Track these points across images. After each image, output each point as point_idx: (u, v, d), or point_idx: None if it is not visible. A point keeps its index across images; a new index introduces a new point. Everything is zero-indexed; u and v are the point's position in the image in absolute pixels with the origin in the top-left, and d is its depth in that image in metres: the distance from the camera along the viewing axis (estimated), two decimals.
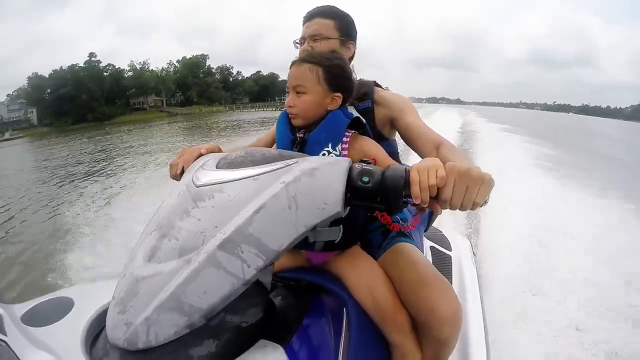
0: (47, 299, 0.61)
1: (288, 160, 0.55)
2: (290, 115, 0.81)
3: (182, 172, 0.74)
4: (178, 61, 67.11)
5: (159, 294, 0.47)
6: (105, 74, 54.59)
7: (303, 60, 0.81)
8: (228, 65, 77.90)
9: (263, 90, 78.59)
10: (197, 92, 65.08)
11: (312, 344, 0.61)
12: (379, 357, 0.76)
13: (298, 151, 0.79)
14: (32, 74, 51.02)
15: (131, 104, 59.36)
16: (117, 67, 57.18)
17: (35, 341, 0.49)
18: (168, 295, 0.46)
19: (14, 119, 50.94)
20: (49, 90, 49.55)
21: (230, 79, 77.23)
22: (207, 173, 0.58)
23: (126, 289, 0.49)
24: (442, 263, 1.34)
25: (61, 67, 51.73)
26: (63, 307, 0.58)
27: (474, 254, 1.54)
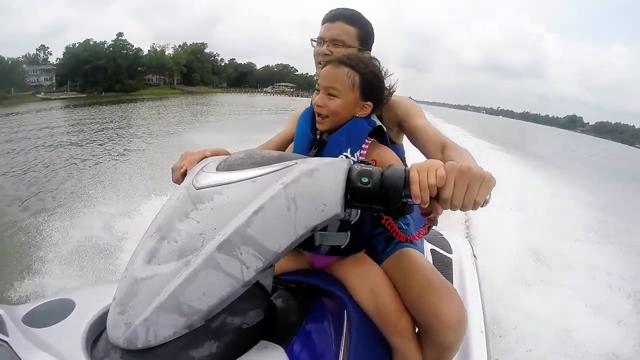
0: (48, 300, 0.61)
1: (288, 162, 0.55)
2: (318, 118, 0.80)
3: (184, 175, 0.73)
4: (180, 46, 78.01)
5: (158, 295, 0.47)
6: (124, 51, 61.73)
7: (341, 62, 0.79)
8: (214, 53, 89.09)
9: (241, 77, 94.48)
10: (199, 74, 76.79)
11: (312, 346, 0.61)
12: None
13: (316, 152, 0.79)
14: (72, 44, 58.12)
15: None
16: (135, 47, 66.17)
17: (36, 342, 0.49)
18: (167, 296, 0.47)
19: (33, 83, 53.30)
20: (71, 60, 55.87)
21: (215, 65, 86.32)
22: (207, 175, 0.58)
23: (126, 290, 0.49)
24: (443, 266, 1.34)
25: (95, 42, 59.16)
26: (64, 309, 0.58)
27: (474, 256, 1.54)
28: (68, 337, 0.52)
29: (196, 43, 79.27)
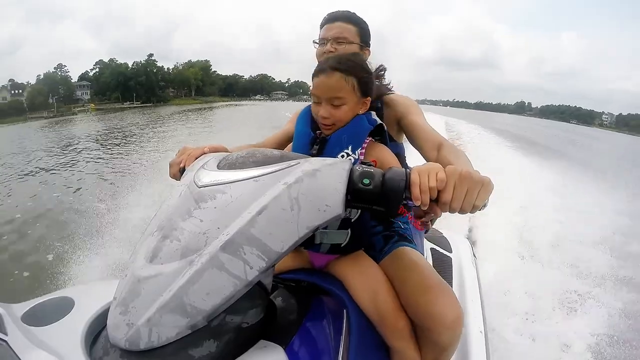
0: (47, 298, 0.61)
1: (290, 162, 0.55)
2: (324, 127, 0.80)
3: (182, 171, 0.73)
4: (185, 63, 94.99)
5: (162, 295, 0.46)
6: (153, 69, 76.88)
7: (334, 68, 0.78)
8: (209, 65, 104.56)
9: (228, 87, 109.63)
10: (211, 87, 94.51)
11: (312, 345, 0.60)
12: None
13: (317, 150, 0.80)
14: (114, 61, 74.43)
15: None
16: (159, 65, 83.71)
17: (35, 341, 0.49)
18: (170, 296, 0.46)
19: (73, 97, 63.05)
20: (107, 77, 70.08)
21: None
22: (208, 173, 0.57)
23: (128, 289, 0.48)
24: (442, 265, 1.35)
25: (134, 61, 76.32)
26: (64, 307, 0.58)
27: (474, 255, 1.54)
28: (67, 336, 0.51)
29: (200, 60, 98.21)
